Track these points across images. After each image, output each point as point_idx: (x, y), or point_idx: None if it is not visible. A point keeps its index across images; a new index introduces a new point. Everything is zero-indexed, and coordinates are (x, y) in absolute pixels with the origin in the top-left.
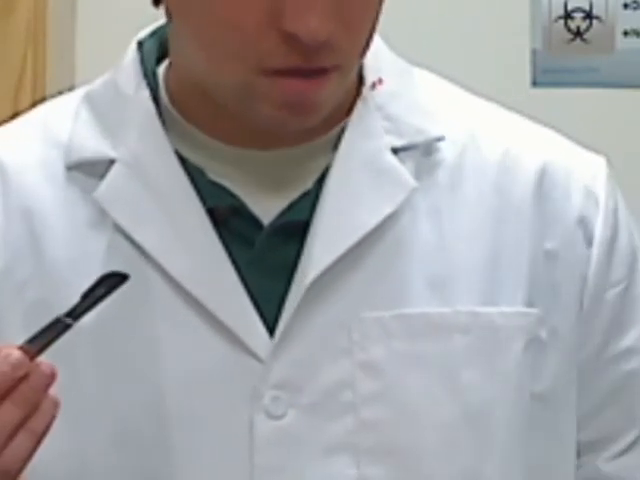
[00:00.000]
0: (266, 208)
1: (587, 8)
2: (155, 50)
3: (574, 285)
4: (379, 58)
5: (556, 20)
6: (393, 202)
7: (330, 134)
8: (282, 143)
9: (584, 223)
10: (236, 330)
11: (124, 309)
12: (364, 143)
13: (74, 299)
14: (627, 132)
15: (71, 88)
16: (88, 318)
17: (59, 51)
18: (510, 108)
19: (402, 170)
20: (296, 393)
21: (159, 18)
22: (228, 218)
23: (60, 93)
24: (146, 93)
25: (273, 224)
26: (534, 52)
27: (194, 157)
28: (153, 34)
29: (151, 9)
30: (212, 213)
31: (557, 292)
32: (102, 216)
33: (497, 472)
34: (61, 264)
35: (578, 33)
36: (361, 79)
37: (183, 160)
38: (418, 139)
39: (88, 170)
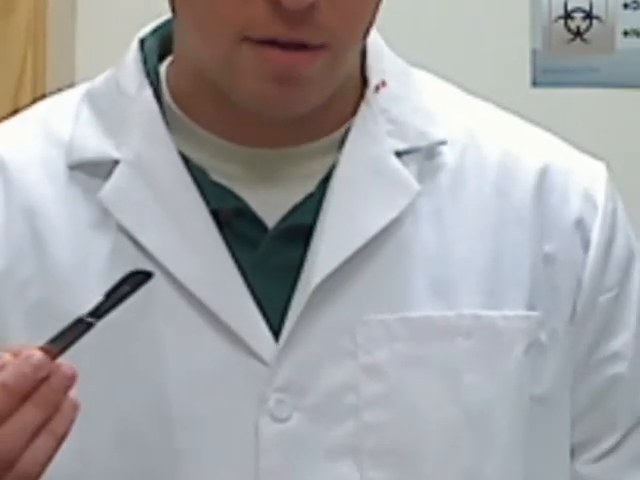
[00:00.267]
0: (270, 209)
1: (587, 8)
2: (157, 48)
3: (570, 288)
4: (382, 60)
5: (556, 20)
6: (397, 206)
7: (334, 135)
8: (286, 142)
9: (582, 226)
10: (240, 333)
11: (127, 310)
12: (368, 146)
13: (76, 300)
14: (627, 132)
15: (71, 88)
16: None
17: (59, 51)
18: (510, 108)
19: (406, 174)
20: (300, 396)
21: (159, 18)
22: (232, 220)
23: (60, 91)
24: (149, 92)
25: (277, 227)
26: (534, 52)
27: (197, 156)
28: (155, 32)
29: (151, 8)
30: (216, 215)
31: (556, 295)
32: (105, 216)
33: (497, 473)
34: (64, 264)
35: (578, 33)
36: (364, 81)
37: (186, 160)
38: (421, 143)
39: (91, 170)
